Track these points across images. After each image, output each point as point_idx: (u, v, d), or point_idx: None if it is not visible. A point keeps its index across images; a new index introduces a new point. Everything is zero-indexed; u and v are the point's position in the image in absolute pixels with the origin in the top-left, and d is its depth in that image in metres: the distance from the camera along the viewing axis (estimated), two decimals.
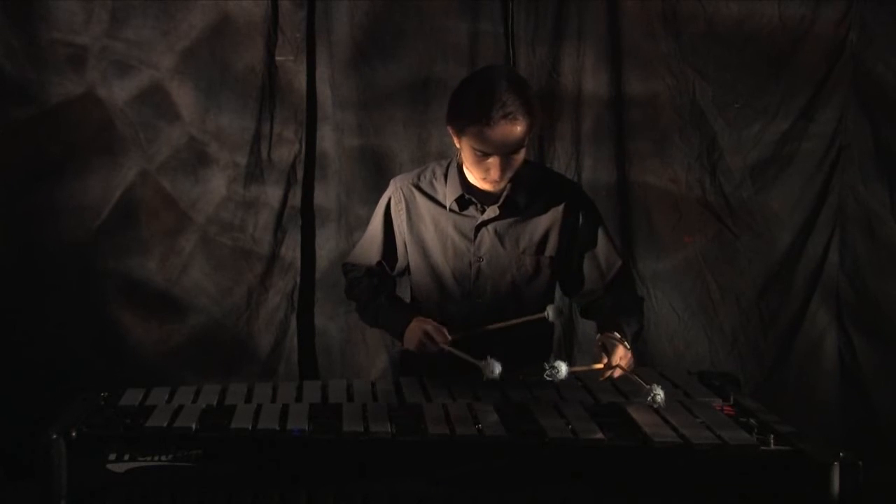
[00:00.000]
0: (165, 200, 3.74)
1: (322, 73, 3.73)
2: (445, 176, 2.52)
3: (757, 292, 3.85)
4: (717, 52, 3.74)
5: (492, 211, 2.47)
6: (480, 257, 2.49)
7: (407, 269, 2.63)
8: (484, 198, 2.48)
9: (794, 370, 3.88)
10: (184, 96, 3.70)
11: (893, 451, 3.58)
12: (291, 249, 3.78)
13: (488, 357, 2.24)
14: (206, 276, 3.78)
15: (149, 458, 1.98)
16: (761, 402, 2.24)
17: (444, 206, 2.50)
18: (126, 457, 1.99)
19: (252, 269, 3.79)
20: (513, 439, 2.00)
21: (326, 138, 3.76)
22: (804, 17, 3.70)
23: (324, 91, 3.74)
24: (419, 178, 2.56)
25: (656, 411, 2.13)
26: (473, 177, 2.44)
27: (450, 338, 2.39)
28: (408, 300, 2.67)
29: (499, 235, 2.49)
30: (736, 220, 3.82)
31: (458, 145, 2.41)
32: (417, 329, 2.42)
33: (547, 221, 2.50)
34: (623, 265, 2.57)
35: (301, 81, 3.72)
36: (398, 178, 2.61)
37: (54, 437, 1.97)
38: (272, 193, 3.77)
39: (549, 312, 2.42)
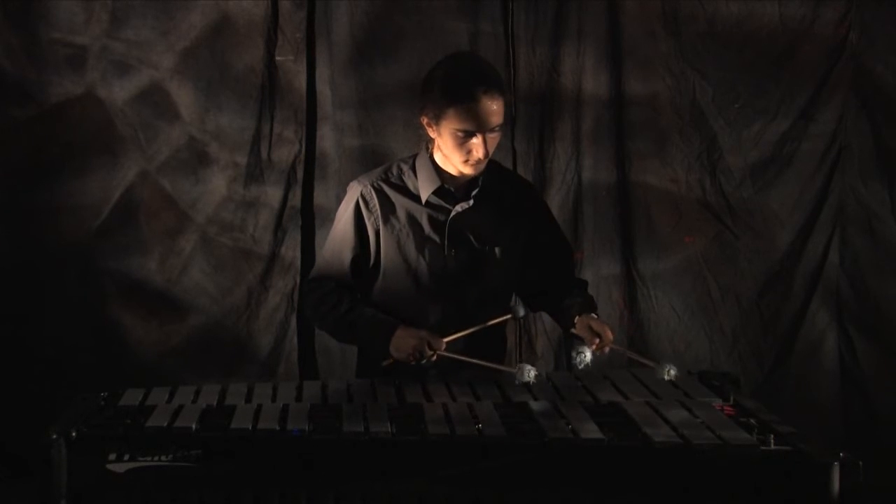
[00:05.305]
0: (165, 200, 3.74)
1: (322, 73, 3.73)
2: (413, 170, 2.52)
3: (757, 292, 3.85)
4: (717, 52, 3.74)
5: (464, 204, 2.48)
6: (453, 251, 2.49)
7: (370, 279, 2.55)
8: (457, 190, 2.49)
9: (794, 370, 3.88)
10: (184, 96, 3.70)
11: (893, 452, 3.58)
12: (291, 249, 3.78)
13: (520, 363, 2.31)
14: (206, 276, 3.78)
15: (149, 458, 1.98)
16: (761, 402, 2.23)
17: (419, 200, 2.49)
18: (126, 457, 1.98)
19: (252, 269, 3.78)
20: (513, 439, 2.00)
21: (326, 138, 3.76)
22: (804, 17, 3.71)
23: (324, 91, 3.74)
24: (386, 175, 2.53)
25: (656, 411, 2.14)
26: (454, 162, 2.43)
27: (444, 344, 2.36)
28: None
29: (470, 229, 2.50)
30: (736, 220, 3.82)
31: (431, 134, 2.44)
32: (408, 337, 2.36)
33: (512, 216, 2.54)
34: (572, 251, 2.77)
35: (301, 81, 3.72)
36: (360, 179, 2.56)
37: (54, 437, 1.96)
38: (272, 193, 3.77)
39: (519, 310, 2.52)
